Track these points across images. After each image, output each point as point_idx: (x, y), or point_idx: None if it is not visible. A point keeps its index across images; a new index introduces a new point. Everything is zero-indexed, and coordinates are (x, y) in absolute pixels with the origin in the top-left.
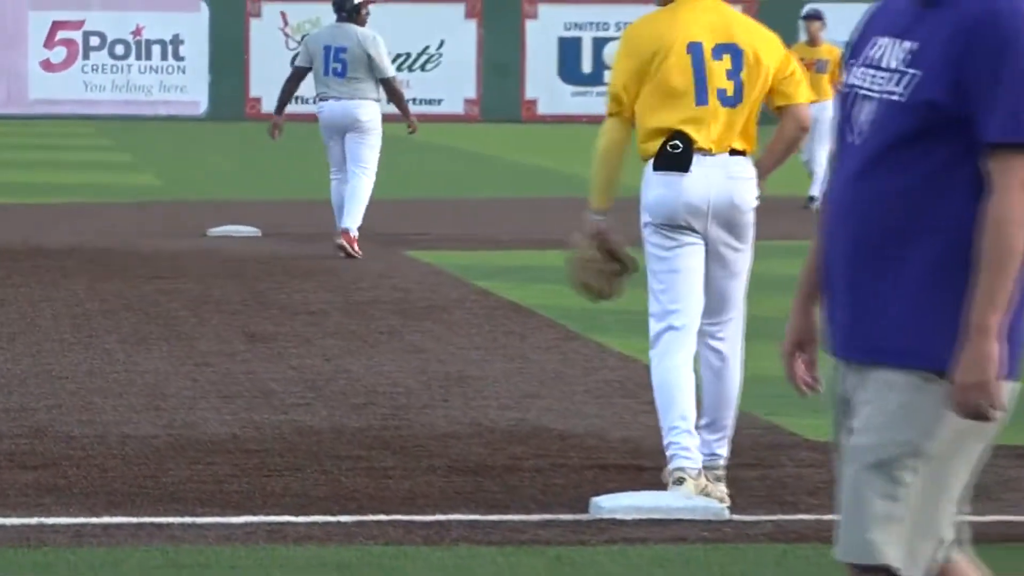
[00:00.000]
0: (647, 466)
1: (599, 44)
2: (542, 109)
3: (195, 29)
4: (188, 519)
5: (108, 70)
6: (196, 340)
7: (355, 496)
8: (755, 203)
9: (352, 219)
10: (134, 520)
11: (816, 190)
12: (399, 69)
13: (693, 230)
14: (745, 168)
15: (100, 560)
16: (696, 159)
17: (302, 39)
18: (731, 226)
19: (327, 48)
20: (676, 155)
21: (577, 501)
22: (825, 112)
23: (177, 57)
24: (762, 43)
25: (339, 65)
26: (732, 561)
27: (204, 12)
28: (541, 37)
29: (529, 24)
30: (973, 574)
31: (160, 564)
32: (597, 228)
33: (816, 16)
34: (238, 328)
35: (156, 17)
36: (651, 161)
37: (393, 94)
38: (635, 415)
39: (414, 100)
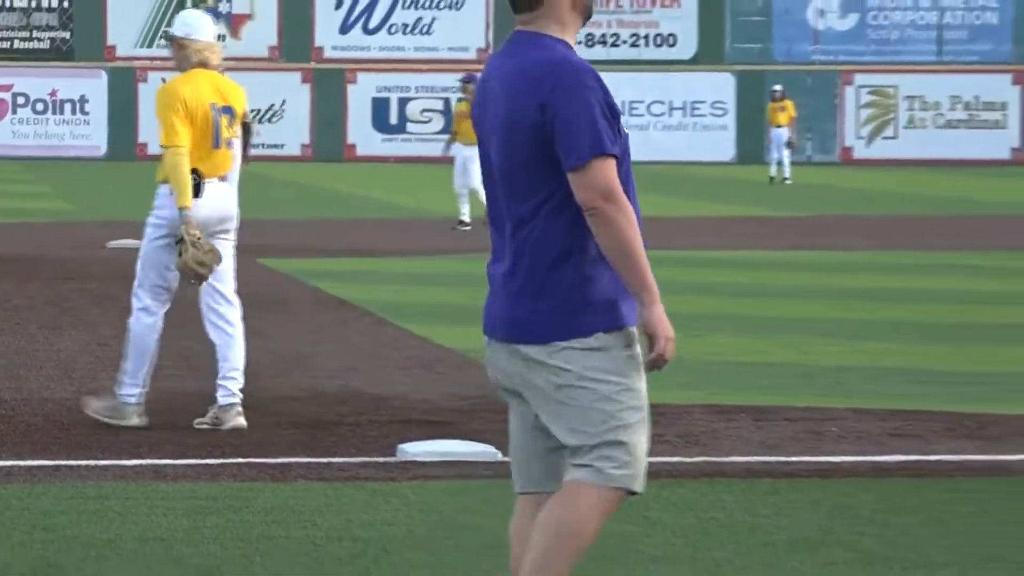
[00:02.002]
0: (439, 421)
1: (403, 103)
2: (360, 151)
3: (97, 91)
4: (92, 462)
5: (31, 122)
6: (98, 327)
7: (219, 444)
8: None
9: None
10: (51, 463)
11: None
12: (256, 122)
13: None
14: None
15: (26, 493)
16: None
17: None
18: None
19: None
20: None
21: (387, 448)
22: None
23: (84, 112)
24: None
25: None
26: (507, 494)
27: (104, 79)
28: (360, 97)
29: (350, 87)
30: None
31: (71, 496)
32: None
33: (470, 80)
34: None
35: (68, 82)
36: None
37: (247, 132)
38: (431, 382)
39: (263, 145)
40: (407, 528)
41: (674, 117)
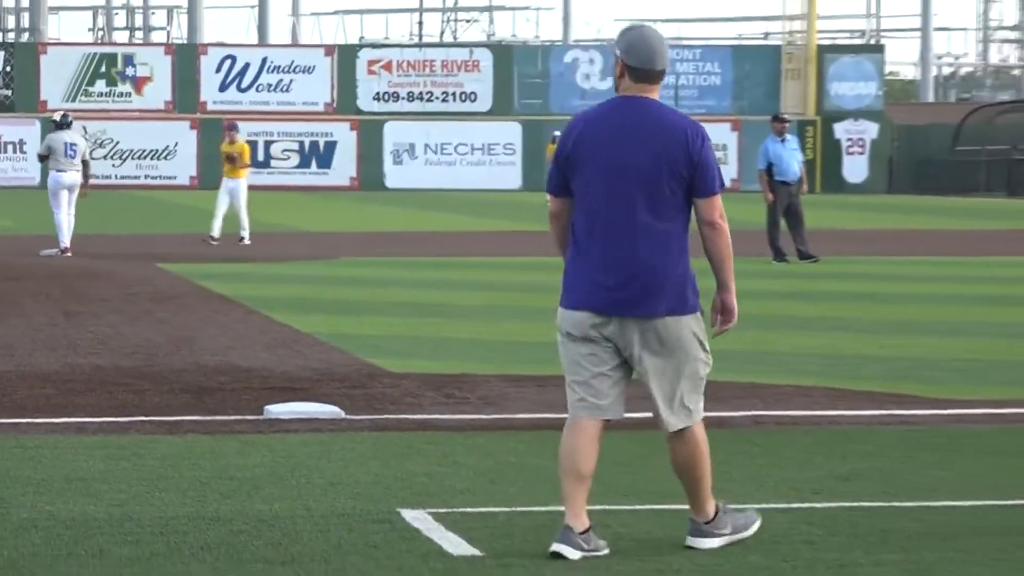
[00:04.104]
0: (296, 387)
1: (268, 144)
2: None
3: (32, 136)
4: (29, 420)
5: None
6: (33, 316)
7: (127, 406)
8: None
9: (68, 238)
10: None
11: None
12: (155, 159)
13: None
14: None
15: None
16: None
17: (44, 138)
18: None
19: (65, 143)
20: None
21: (256, 408)
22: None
23: (22, 152)
24: None
25: (72, 152)
26: (354, 443)
27: (37, 126)
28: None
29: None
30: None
31: (12, 446)
32: None
33: (232, 128)
34: (59, 309)
35: (10, 129)
36: None
37: (87, 167)
38: (291, 358)
39: (159, 177)
40: (271, 470)
41: (475, 155)
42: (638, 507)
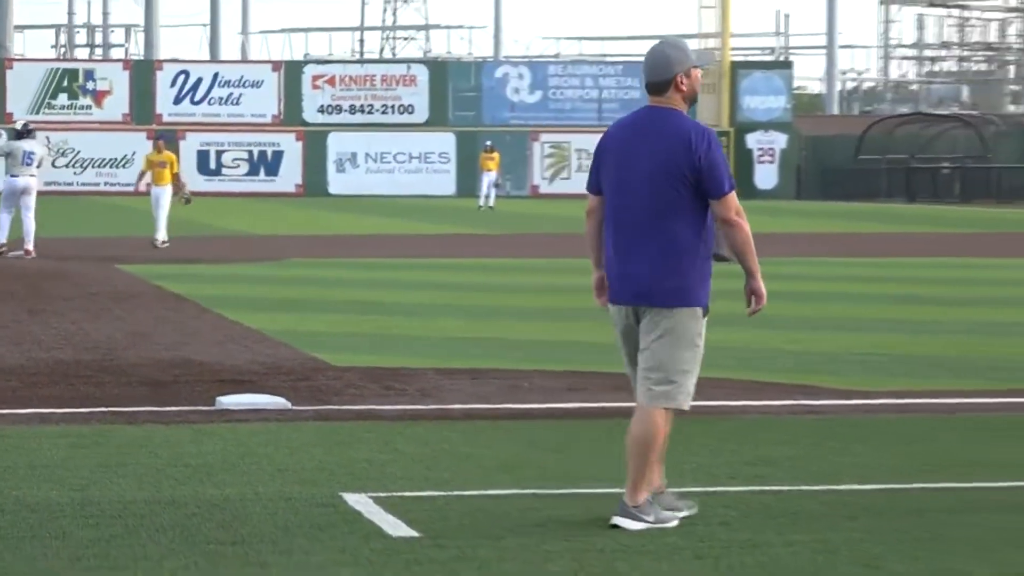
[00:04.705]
0: (245, 380)
1: (219, 154)
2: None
3: None
4: None
5: None
6: (0, 314)
7: (88, 397)
8: None
9: (32, 241)
10: None
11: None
12: (114, 167)
13: None
14: None
15: None
16: None
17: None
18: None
19: (24, 151)
20: None
21: (208, 399)
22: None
23: None
24: None
25: (29, 160)
26: (299, 432)
27: (3, 137)
28: (188, 149)
29: (182, 143)
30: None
31: None
32: None
33: (160, 138)
34: (24, 307)
35: None
36: None
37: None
38: (240, 353)
39: (118, 184)
40: (222, 457)
41: (412, 164)
42: (568, 491)
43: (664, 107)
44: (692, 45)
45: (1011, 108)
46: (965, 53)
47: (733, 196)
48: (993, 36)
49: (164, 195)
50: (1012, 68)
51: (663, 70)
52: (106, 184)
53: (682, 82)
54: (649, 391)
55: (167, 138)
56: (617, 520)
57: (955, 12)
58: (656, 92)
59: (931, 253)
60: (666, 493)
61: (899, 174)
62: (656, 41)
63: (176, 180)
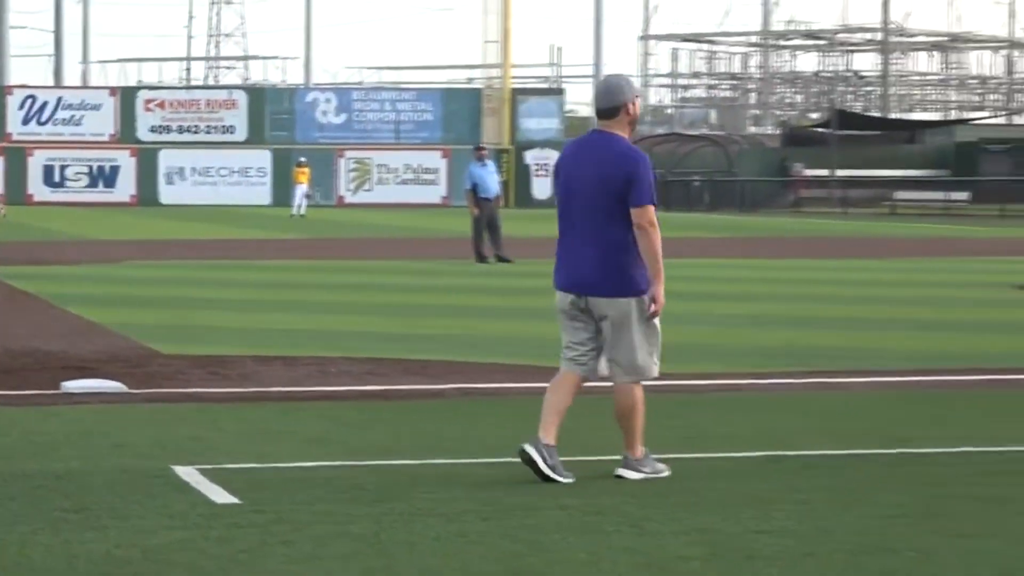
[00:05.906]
0: (88, 367)
1: (63, 168)
2: (36, 199)
3: None
4: None
5: None
6: None
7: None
8: None
9: None
10: None
11: None
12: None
13: None
14: None
15: None
16: None
17: None
18: None
19: None
20: None
21: (55, 384)
22: None
23: None
24: None
25: None
26: (135, 413)
27: None
28: (36, 165)
29: (30, 159)
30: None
31: None
32: None
33: None
34: None
35: None
36: None
37: None
38: (84, 343)
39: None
40: (65, 435)
41: (233, 177)
42: (370, 463)
43: (608, 132)
44: (477, 75)
45: (752, 129)
46: (713, 82)
47: (650, 209)
48: (737, 67)
49: None
50: (753, 95)
51: (615, 97)
52: None
53: (630, 108)
54: (620, 373)
55: None
56: (620, 471)
57: (705, 46)
58: (607, 117)
59: (681, 255)
60: (555, 449)
61: (657, 186)
62: (608, 74)
63: None
